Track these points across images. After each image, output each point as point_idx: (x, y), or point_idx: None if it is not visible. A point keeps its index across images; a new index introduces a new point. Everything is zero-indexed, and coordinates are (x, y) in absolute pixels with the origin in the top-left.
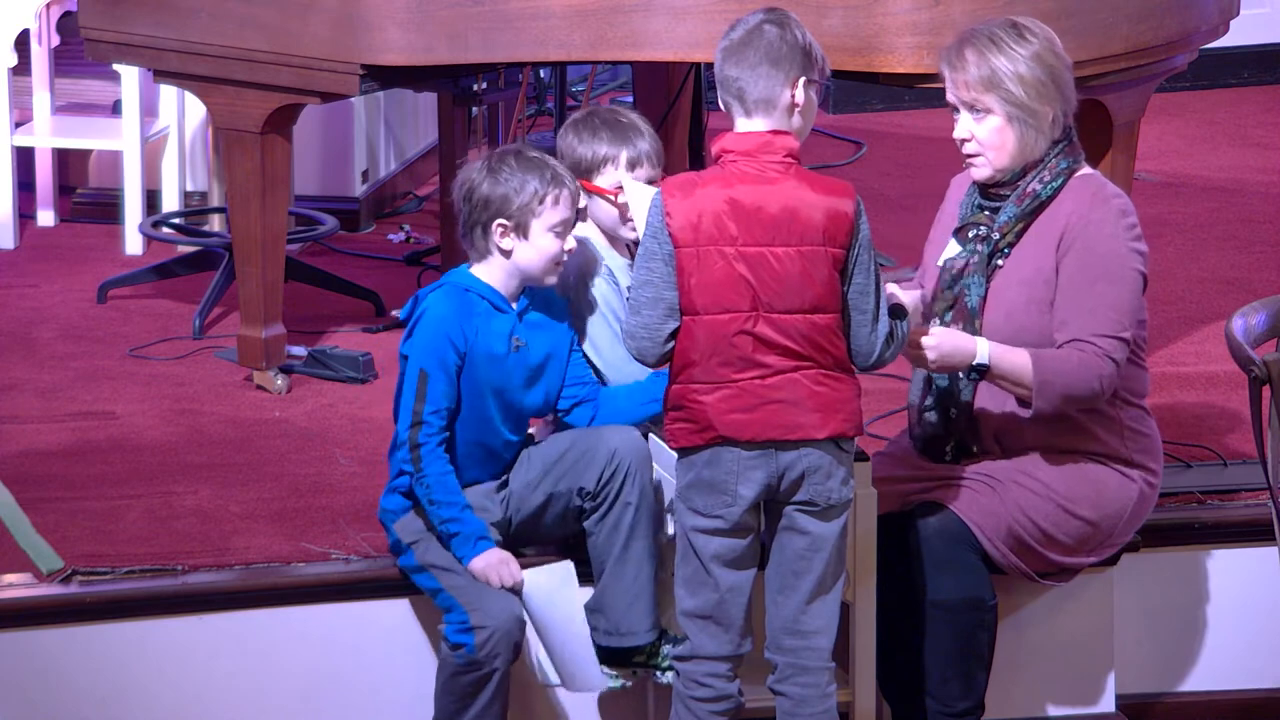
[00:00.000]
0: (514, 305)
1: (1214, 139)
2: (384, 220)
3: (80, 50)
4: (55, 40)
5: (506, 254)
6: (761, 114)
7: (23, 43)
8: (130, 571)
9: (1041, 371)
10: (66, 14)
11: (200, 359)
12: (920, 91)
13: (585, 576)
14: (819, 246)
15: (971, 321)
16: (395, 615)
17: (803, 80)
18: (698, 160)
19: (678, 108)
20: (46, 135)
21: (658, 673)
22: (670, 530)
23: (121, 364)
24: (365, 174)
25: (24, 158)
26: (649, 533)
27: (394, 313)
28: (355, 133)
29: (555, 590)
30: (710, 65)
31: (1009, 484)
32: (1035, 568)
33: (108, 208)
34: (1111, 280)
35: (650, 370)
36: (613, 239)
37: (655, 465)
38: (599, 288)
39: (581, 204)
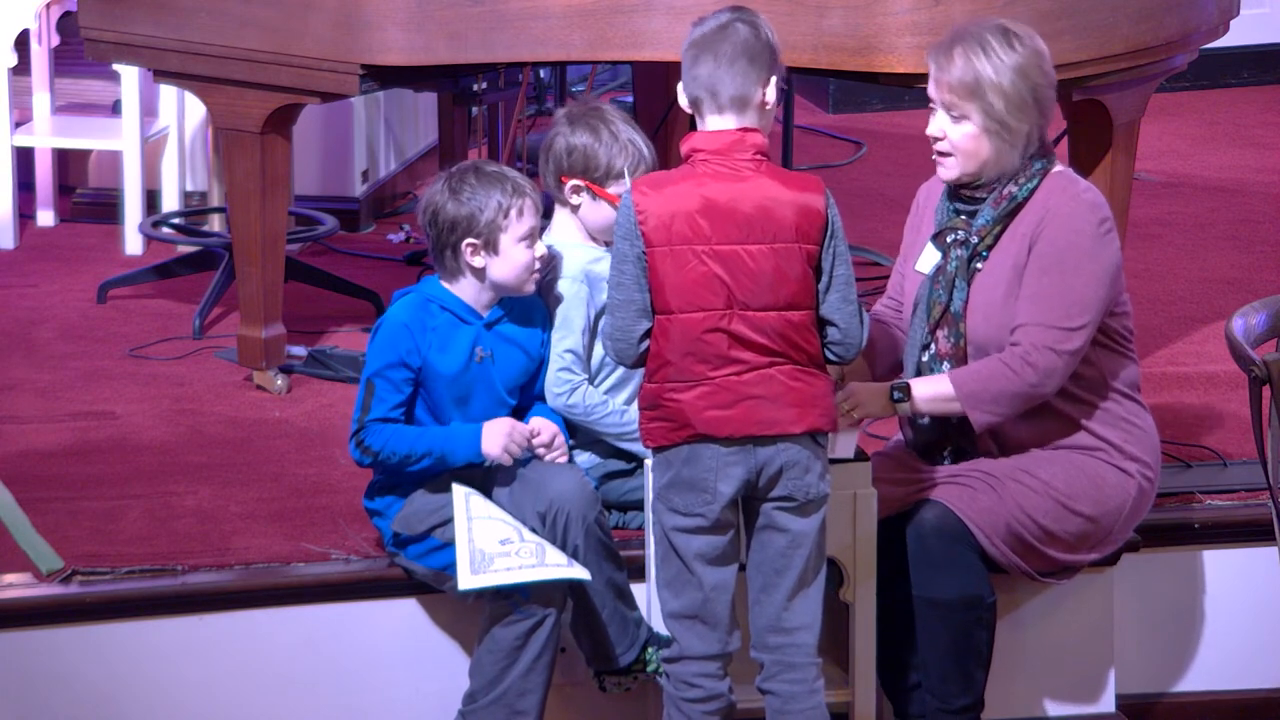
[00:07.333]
0: (483, 316)
1: (1214, 139)
2: (384, 220)
3: (80, 50)
4: (55, 40)
5: (479, 271)
6: (734, 112)
7: (23, 43)
8: (130, 571)
9: (961, 385)
10: (66, 14)
11: (200, 359)
12: (920, 91)
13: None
14: (792, 244)
15: (956, 326)
16: (395, 615)
17: (773, 79)
18: None
19: (677, 108)
20: (46, 135)
21: (658, 677)
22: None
23: (121, 364)
24: (365, 174)
25: (24, 158)
26: (601, 568)
27: None
28: (355, 133)
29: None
30: None
31: (1007, 482)
32: (1036, 566)
33: (108, 208)
34: (1064, 270)
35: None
36: (593, 236)
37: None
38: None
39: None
